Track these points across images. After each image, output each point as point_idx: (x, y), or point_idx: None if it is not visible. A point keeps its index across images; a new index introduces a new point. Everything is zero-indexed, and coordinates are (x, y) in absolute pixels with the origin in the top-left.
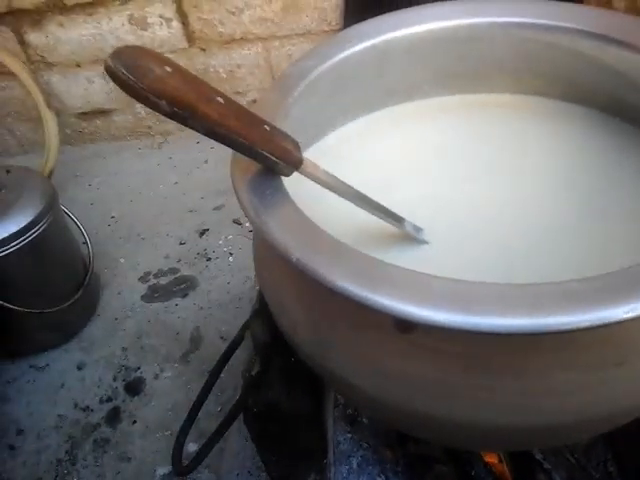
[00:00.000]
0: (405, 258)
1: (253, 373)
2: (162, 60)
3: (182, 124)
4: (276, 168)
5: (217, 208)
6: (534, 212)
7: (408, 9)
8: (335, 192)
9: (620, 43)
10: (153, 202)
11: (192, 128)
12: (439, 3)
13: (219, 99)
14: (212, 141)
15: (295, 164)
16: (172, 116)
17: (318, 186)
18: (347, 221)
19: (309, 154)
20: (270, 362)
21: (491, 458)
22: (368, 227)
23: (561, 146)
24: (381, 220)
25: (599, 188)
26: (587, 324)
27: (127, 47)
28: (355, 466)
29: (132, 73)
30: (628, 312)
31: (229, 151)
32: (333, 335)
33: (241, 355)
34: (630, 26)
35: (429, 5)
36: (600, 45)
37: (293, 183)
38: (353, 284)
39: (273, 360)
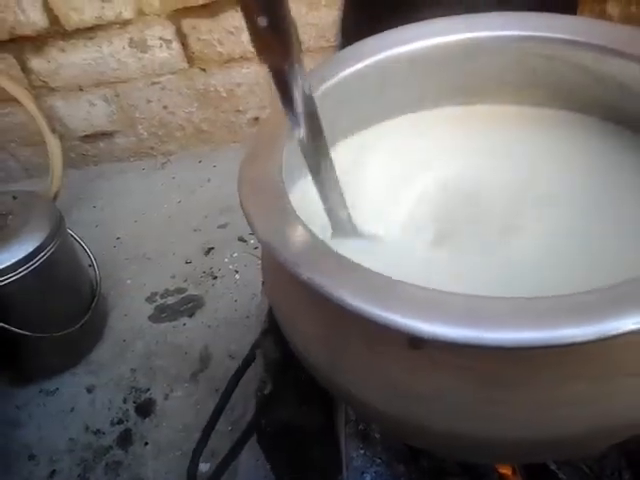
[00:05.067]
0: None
1: (265, 392)
2: None
3: None
4: None
5: (221, 226)
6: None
7: (408, 26)
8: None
9: (619, 53)
10: (158, 222)
11: None
12: (439, 19)
13: None
14: (214, 160)
15: None
16: None
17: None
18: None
19: None
20: (282, 380)
21: (505, 470)
22: None
23: (564, 154)
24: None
25: (607, 195)
26: (597, 336)
27: None
28: None
29: None
30: (637, 323)
31: (232, 169)
32: (345, 353)
33: (250, 373)
34: (628, 37)
35: (429, 21)
36: (599, 56)
37: (299, 203)
38: (364, 302)
39: (285, 378)
